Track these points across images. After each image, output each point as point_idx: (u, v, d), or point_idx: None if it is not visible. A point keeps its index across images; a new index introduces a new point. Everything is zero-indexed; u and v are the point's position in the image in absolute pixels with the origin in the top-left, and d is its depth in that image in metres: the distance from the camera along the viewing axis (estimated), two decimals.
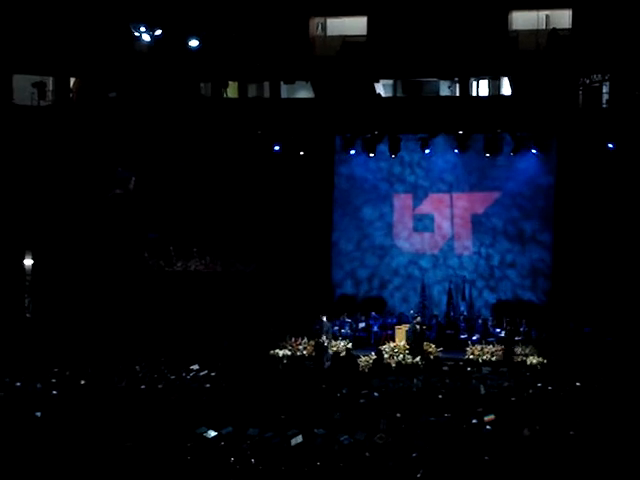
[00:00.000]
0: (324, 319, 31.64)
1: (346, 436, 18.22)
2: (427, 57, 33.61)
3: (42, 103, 34.98)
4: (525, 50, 33.48)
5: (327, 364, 30.22)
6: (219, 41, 33.45)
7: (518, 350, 31.20)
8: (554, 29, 33.33)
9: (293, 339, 32.64)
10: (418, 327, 31.57)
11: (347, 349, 31.78)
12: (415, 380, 26.33)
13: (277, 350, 32.04)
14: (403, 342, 31.64)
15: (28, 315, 34.15)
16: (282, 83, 35.76)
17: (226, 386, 25.16)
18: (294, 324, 33.20)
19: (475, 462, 17.15)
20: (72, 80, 35.93)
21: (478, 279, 35.41)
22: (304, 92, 36.14)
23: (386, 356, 30.68)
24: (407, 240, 35.97)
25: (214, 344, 31.34)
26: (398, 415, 20.76)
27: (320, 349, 30.98)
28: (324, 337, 31.20)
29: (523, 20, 34.08)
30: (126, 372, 26.69)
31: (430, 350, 31.36)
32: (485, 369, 29.80)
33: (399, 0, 34.20)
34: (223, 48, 33.74)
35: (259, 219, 35.30)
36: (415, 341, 31.13)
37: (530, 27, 33.78)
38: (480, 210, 35.42)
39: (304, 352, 32.00)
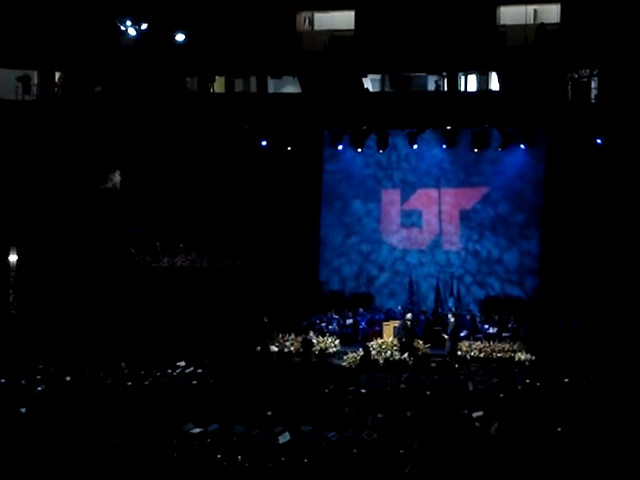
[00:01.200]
0: (265, 319, 31.79)
1: (333, 433, 18.17)
2: (415, 52, 33.57)
3: (27, 97, 34.83)
4: (513, 45, 33.45)
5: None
6: (206, 35, 33.35)
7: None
8: (542, 24, 33.31)
9: (280, 335, 32.55)
10: (409, 323, 31.47)
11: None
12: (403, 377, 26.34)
13: (264, 347, 31.95)
14: (391, 338, 31.57)
15: (13, 311, 34.00)
16: (269, 78, 35.62)
17: (213, 383, 25.09)
18: (281, 320, 33.11)
19: (462, 458, 17.13)
20: (57, 74, 35.78)
21: (466, 275, 35.37)
22: (291, 87, 36.02)
23: (374, 352, 30.58)
24: (395, 235, 35.91)
25: (201, 340, 31.22)
26: (385, 412, 20.73)
27: (308, 345, 30.93)
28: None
29: (511, 15, 34.07)
30: (112, 369, 26.61)
31: (418, 347, 31.26)
32: (473, 365, 29.84)
33: None
34: (210, 42, 33.64)
35: (246, 215, 35.19)
36: (406, 337, 31.01)
37: (518, 22, 33.72)
38: (468, 205, 35.39)
39: (291, 348, 31.94)
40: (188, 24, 31.80)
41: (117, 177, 34.39)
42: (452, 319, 31.70)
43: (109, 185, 34.52)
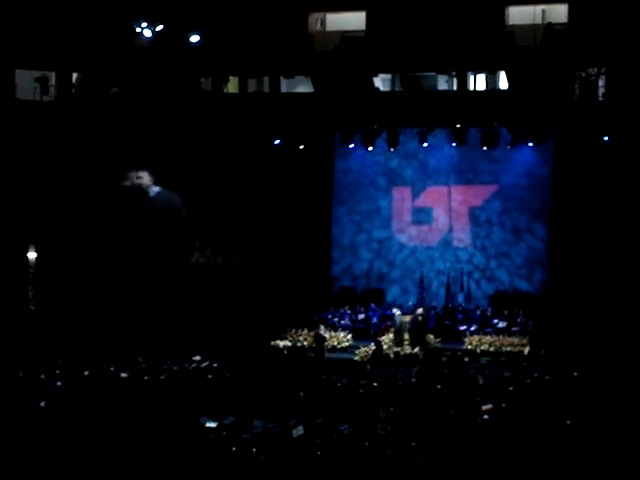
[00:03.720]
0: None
1: (346, 426, 18.41)
2: (425, 52, 33.68)
3: (44, 98, 35.06)
4: (522, 44, 33.52)
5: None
6: (220, 36, 33.52)
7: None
8: (550, 24, 33.46)
9: (293, 330, 32.90)
10: (420, 318, 31.82)
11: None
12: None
13: (278, 341, 32.31)
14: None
15: (32, 307, 34.32)
16: (282, 78, 35.87)
17: (228, 377, 25.37)
18: (294, 315, 33.45)
19: (473, 451, 17.36)
20: (74, 75, 36.05)
21: (475, 271, 35.67)
22: (304, 87, 36.22)
23: (385, 347, 30.91)
24: (405, 232, 36.24)
25: (216, 335, 31.56)
26: (397, 405, 20.99)
27: (320, 340, 31.24)
28: None
29: (520, 15, 34.12)
30: (129, 363, 26.93)
31: (429, 341, 31.61)
32: (483, 359, 30.11)
33: None
34: (224, 43, 33.80)
35: (260, 212, 35.48)
36: (417, 332, 31.37)
37: (527, 22, 33.77)
38: (478, 203, 35.68)
39: (304, 343, 32.26)
40: (202, 25, 32.01)
41: (143, 176, 34.59)
42: (397, 312, 32.12)
43: (138, 184, 34.74)
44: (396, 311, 32.39)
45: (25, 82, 34.90)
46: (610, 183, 33.36)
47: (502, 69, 34.64)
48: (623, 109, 32.50)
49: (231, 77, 36.04)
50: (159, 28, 30.53)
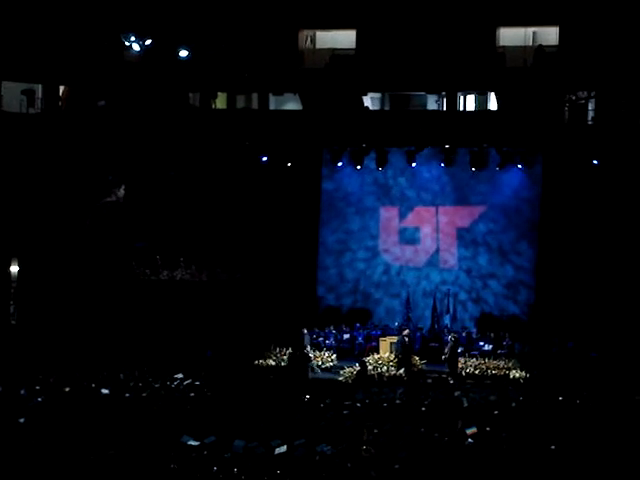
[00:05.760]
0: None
1: (329, 447, 18.28)
2: (415, 71, 33.81)
3: (31, 110, 35.04)
4: (512, 66, 33.68)
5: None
6: (209, 52, 33.55)
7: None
8: (540, 46, 33.58)
9: (278, 349, 32.71)
10: (407, 340, 31.64)
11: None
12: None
13: (262, 360, 32.10)
14: (387, 354, 31.73)
15: (13, 322, 34.15)
16: (271, 95, 35.90)
17: (210, 395, 25.23)
18: (279, 334, 33.28)
19: (456, 474, 17.25)
20: (61, 88, 35.97)
21: (462, 292, 35.55)
22: (292, 104, 36.28)
23: (370, 368, 30.73)
24: (392, 252, 36.11)
25: (199, 353, 31.41)
26: (381, 427, 20.87)
27: (298, 360, 31.03)
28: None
29: (511, 37, 34.31)
30: (110, 380, 26.74)
31: (415, 362, 31.41)
32: (468, 382, 29.97)
33: (388, 14, 34.36)
34: (212, 59, 33.84)
35: (246, 229, 35.39)
36: (403, 353, 31.20)
37: (517, 44, 34.01)
38: (465, 224, 35.61)
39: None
40: (191, 40, 32.00)
41: (121, 191, 34.67)
42: (305, 332, 32.24)
43: (112, 198, 34.81)
44: (304, 331, 32.29)
45: (11, 94, 34.82)
46: (598, 206, 33.38)
47: (492, 90, 34.78)
48: (612, 133, 32.52)
49: (219, 93, 36.02)
50: (148, 42, 30.50)
